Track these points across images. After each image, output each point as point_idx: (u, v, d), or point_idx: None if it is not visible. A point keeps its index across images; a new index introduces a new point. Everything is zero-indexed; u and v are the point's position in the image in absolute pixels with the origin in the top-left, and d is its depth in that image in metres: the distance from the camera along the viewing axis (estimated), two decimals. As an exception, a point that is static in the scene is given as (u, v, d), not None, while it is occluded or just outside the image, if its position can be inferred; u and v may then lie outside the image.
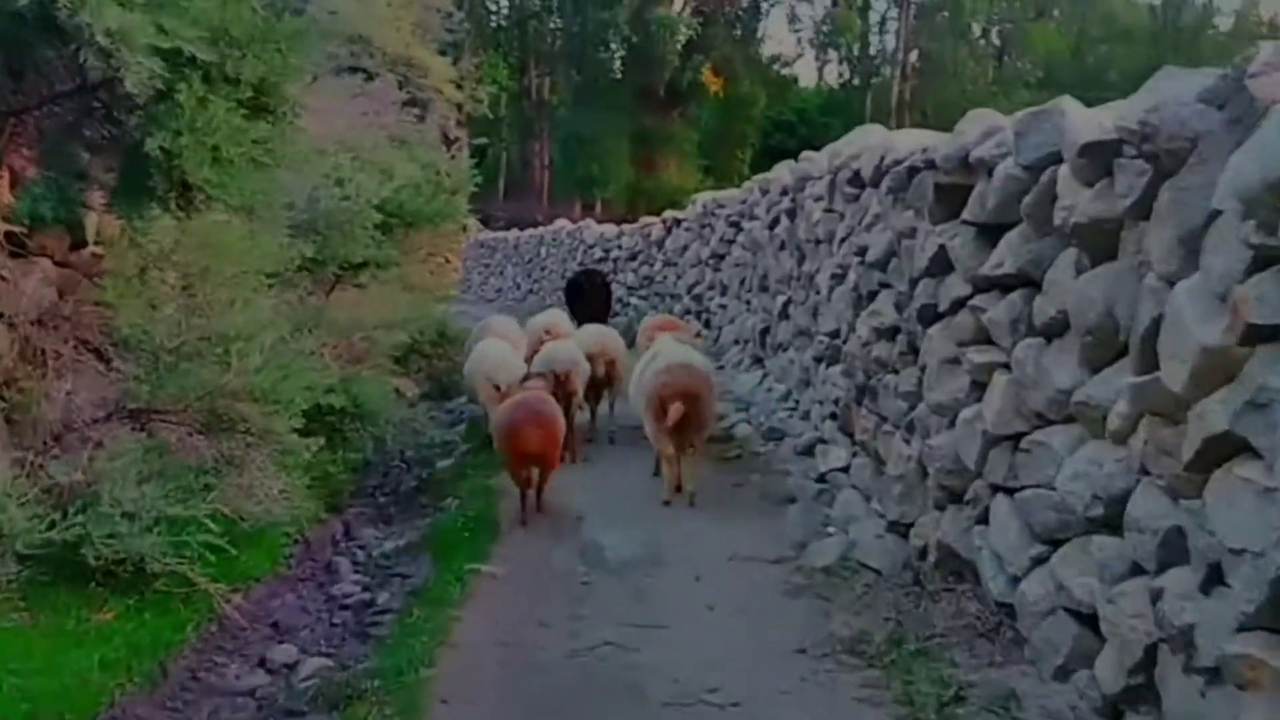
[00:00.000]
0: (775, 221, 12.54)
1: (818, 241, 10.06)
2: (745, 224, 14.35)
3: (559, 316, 12.48)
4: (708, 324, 16.15)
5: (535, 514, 7.93)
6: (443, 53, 33.47)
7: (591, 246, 22.70)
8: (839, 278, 9.12)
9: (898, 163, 7.31)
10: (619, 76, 45.96)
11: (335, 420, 8.98)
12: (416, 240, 16.64)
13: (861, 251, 7.96)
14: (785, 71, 54.01)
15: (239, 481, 6.30)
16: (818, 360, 9.96)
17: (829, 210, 9.58)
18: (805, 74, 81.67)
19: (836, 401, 8.70)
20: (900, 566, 6.38)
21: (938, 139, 6.68)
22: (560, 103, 47.95)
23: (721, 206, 15.91)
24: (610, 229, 22.14)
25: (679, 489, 8.33)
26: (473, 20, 42.31)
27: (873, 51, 56.99)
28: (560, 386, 9.17)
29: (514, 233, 31.17)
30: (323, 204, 8.42)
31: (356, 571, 7.50)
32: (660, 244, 18.86)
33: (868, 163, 8.05)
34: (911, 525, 6.57)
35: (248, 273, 6.76)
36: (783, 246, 12.11)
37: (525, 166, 48.54)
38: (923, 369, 6.48)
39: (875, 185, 7.87)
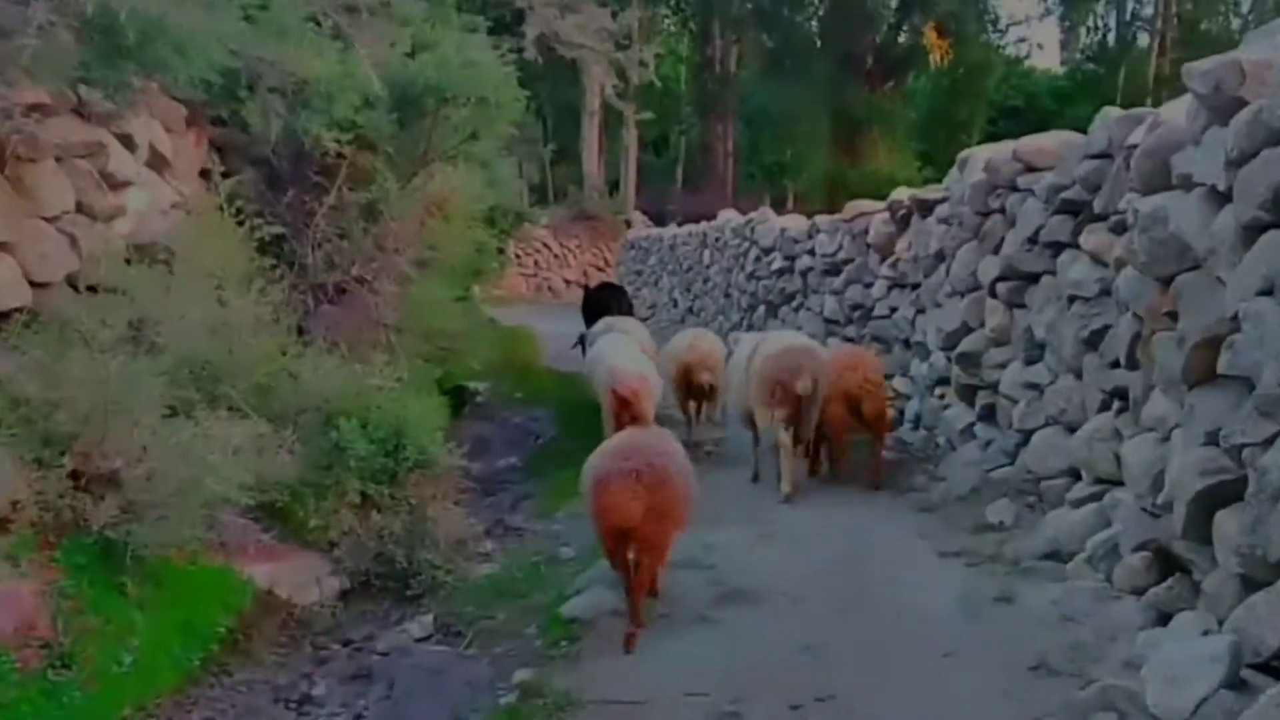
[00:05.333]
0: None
1: None
2: (1122, 202, 5.72)
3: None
4: (987, 417, 7.66)
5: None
6: (602, 3, 25.80)
7: (769, 251, 14.38)
8: None
9: None
10: (818, 42, 36.90)
11: None
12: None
13: None
14: (1023, 41, 43.62)
15: None
16: None
17: None
18: (1041, 46, 70.18)
19: None
20: None
21: None
22: (748, 76, 39.27)
23: (1033, 170, 7.23)
24: (797, 223, 13.80)
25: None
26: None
27: (1126, 18, 46.11)
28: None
29: (670, 230, 23.05)
30: None
31: None
32: (885, 248, 10.30)
33: None
34: None
35: None
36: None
37: (707, 153, 39.62)
38: None
39: None
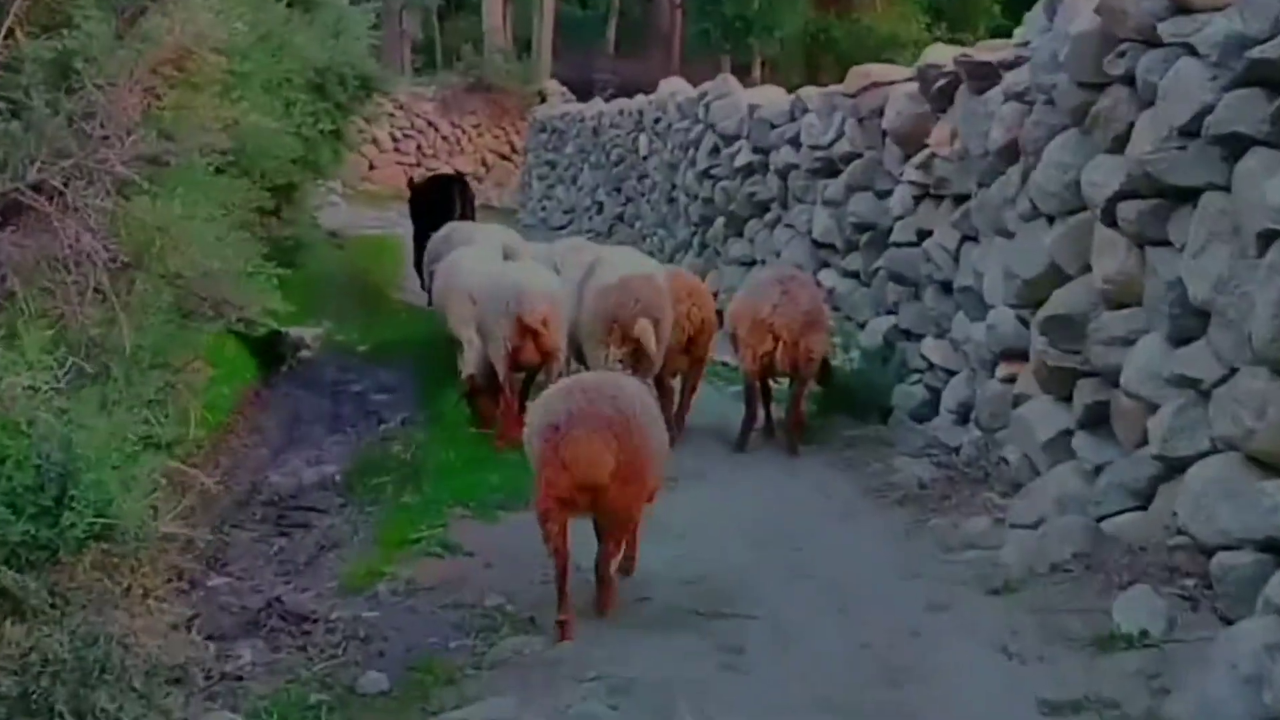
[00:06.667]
0: None
1: None
2: None
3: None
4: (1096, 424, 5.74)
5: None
6: None
7: (732, 139, 12.93)
8: None
9: None
10: None
11: None
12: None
13: None
14: None
15: None
16: None
17: None
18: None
19: None
20: None
21: None
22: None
23: (1189, 11, 5.28)
24: (773, 99, 12.46)
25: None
26: None
27: None
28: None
29: (595, 107, 21.66)
30: None
31: None
32: (912, 138, 8.57)
33: None
34: None
35: None
36: None
37: (648, 4, 38.85)
38: None
39: None
